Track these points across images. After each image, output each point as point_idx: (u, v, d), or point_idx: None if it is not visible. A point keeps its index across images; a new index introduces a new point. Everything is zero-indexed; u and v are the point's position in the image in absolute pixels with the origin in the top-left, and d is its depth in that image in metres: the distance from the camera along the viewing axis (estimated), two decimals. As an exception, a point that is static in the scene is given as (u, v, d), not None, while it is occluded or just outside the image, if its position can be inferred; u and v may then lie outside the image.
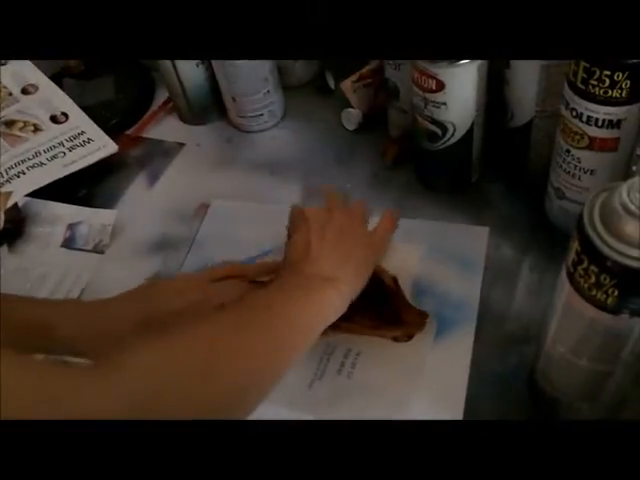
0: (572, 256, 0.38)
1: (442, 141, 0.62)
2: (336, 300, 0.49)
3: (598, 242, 0.35)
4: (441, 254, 0.62)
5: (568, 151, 0.54)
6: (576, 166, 0.55)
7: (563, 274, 0.40)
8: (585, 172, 0.55)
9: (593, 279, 0.36)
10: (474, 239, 0.63)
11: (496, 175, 0.68)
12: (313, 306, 0.48)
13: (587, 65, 0.47)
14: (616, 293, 0.36)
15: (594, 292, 0.37)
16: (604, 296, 0.36)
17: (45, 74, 0.82)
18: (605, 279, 0.36)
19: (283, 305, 0.47)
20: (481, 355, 0.55)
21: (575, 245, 0.37)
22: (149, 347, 0.39)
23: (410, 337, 0.56)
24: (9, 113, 0.78)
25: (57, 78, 0.83)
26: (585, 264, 0.36)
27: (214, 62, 0.74)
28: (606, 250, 0.35)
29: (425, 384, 0.54)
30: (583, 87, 0.49)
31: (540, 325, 0.48)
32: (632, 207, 0.34)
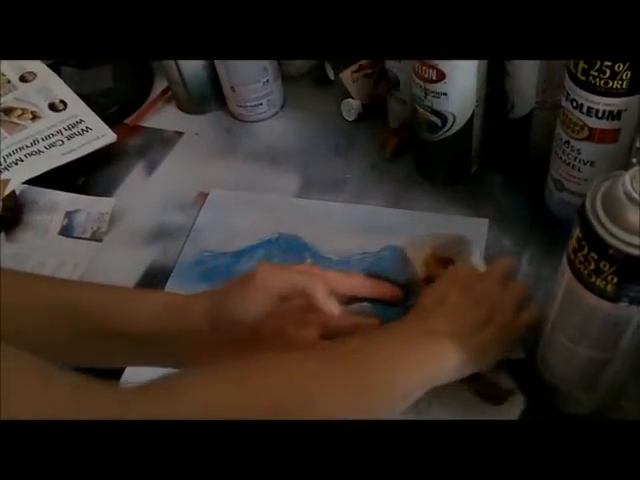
0: (573, 243, 0.38)
1: (442, 132, 0.62)
2: (451, 363, 0.43)
3: (599, 229, 0.35)
4: None
5: (568, 142, 0.54)
6: (576, 157, 0.55)
7: (564, 261, 0.40)
8: (585, 163, 0.55)
9: (593, 266, 0.36)
10: (473, 231, 0.63)
11: (496, 166, 0.68)
12: (421, 363, 0.43)
13: (588, 56, 0.47)
14: (615, 280, 0.36)
15: (594, 279, 0.37)
16: (603, 283, 0.37)
17: (43, 62, 0.81)
18: (605, 266, 0.36)
19: (385, 354, 0.43)
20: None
21: (576, 232, 0.37)
22: (218, 374, 0.36)
23: (500, 402, 0.50)
24: (7, 100, 0.77)
25: (55, 66, 0.83)
26: (585, 251, 0.36)
27: (214, 51, 0.74)
28: (607, 237, 0.35)
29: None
30: (584, 78, 0.49)
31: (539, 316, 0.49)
32: (635, 195, 0.34)
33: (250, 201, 0.70)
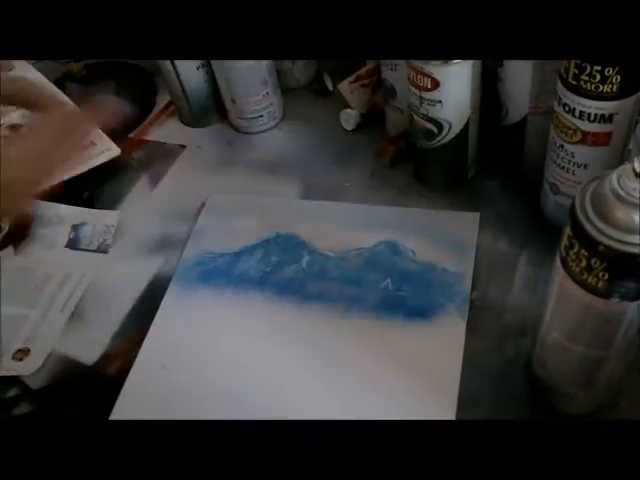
0: (564, 241, 0.39)
1: (438, 139, 0.63)
2: None
3: (588, 226, 0.36)
4: (432, 240, 0.64)
5: (562, 146, 0.55)
6: (570, 161, 0.56)
7: (557, 260, 0.41)
8: (579, 166, 0.56)
9: (584, 263, 0.37)
10: (465, 224, 0.65)
11: (492, 172, 0.69)
12: None
13: (578, 61, 0.48)
14: (606, 277, 0.37)
15: (585, 276, 0.38)
16: (595, 280, 0.37)
17: (48, 79, 0.83)
18: (595, 263, 0.37)
19: None
20: (478, 348, 0.56)
21: (567, 230, 0.38)
22: None
23: None
24: (14, 117, 0.79)
25: (60, 83, 0.84)
26: (576, 248, 0.37)
27: (214, 65, 0.75)
28: (596, 234, 0.36)
29: (417, 370, 0.55)
30: (575, 83, 0.50)
31: (537, 318, 0.49)
32: (622, 193, 0.35)
33: (248, 203, 0.71)
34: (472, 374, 0.54)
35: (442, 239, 0.63)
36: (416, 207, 0.68)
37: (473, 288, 0.60)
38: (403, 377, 0.55)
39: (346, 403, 0.54)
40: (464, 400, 0.53)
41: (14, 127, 0.78)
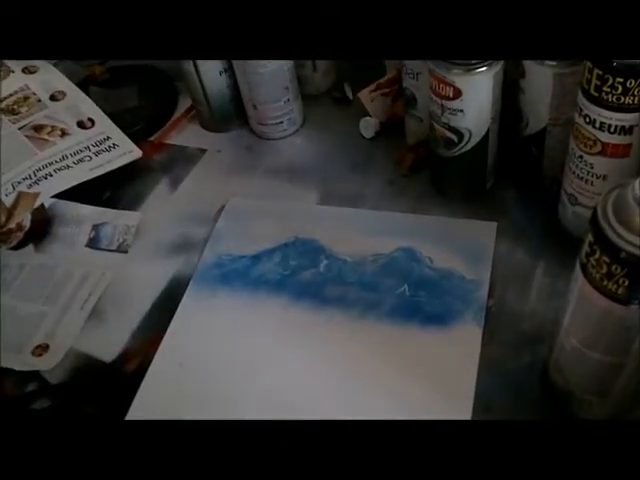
0: (585, 248, 0.39)
1: (458, 147, 0.63)
2: None
3: (610, 233, 0.36)
4: (450, 248, 0.64)
5: (581, 157, 0.56)
6: (589, 172, 0.56)
7: (577, 267, 0.41)
8: (598, 177, 0.56)
9: (605, 269, 0.38)
10: (482, 233, 0.65)
11: (510, 182, 0.69)
12: None
13: (600, 72, 0.49)
14: (626, 283, 0.37)
15: (605, 282, 0.38)
16: (615, 286, 0.38)
17: (72, 82, 0.84)
18: (616, 269, 0.37)
19: None
20: (494, 356, 0.56)
21: (588, 237, 0.39)
22: None
23: None
24: (38, 118, 0.80)
25: (83, 86, 0.85)
26: (597, 255, 0.38)
27: (237, 70, 0.76)
28: (618, 241, 0.36)
29: (433, 376, 0.56)
30: (596, 94, 0.50)
31: (553, 325, 0.50)
32: (643, 200, 0.36)
33: (266, 208, 0.72)
34: (488, 381, 0.55)
35: (459, 247, 0.64)
36: (434, 216, 0.68)
37: (490, 296, 0.60)
38: (418, 383, 0.55)
39: (360, 406, 0.55)
40: (479, 407, 0.53)
41: (40, 127, 0.80)
